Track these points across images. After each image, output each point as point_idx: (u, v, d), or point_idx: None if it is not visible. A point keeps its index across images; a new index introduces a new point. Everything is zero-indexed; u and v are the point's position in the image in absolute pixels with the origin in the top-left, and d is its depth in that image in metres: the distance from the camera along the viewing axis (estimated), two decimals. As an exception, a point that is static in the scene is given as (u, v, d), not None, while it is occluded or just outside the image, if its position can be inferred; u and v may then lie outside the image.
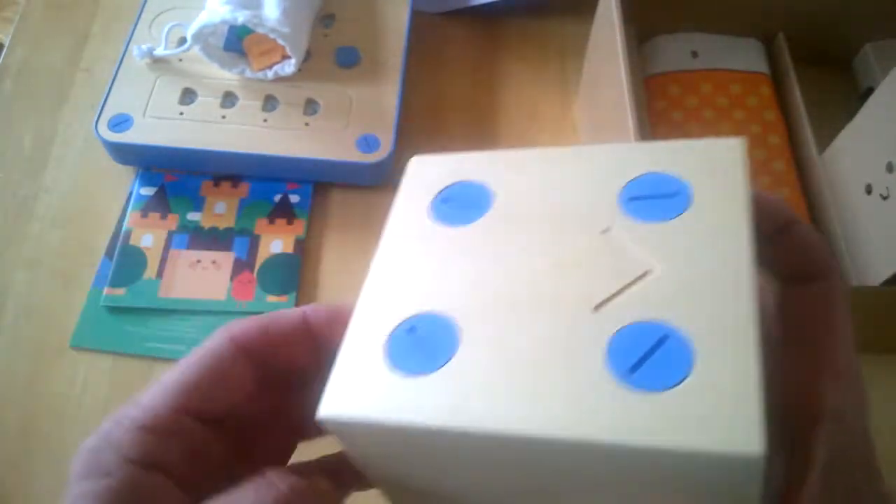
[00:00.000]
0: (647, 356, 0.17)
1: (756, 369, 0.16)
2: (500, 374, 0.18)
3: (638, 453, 0.16)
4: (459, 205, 0.22)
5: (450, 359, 0.18)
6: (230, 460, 0.22)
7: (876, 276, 0.43)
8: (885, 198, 0.42)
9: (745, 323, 0.17)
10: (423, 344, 0.19)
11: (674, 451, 0.16)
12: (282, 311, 0.23)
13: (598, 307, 0.18)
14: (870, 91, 0.55)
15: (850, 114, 0.46)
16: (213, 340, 0.22)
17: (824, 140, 0.49)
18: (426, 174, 0.24)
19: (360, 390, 0.19)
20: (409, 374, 0.18)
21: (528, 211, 0.21)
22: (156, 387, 0.21)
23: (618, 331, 0.18)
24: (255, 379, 0.22)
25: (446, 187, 0.23)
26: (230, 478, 0.19)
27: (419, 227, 0.22)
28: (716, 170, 0.20)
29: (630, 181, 0.21)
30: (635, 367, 0.17)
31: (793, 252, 0.22)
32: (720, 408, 0.16)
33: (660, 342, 0.17)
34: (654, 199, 0.20)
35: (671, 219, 0.20)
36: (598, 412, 0.17)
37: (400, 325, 0.20)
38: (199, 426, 0.21)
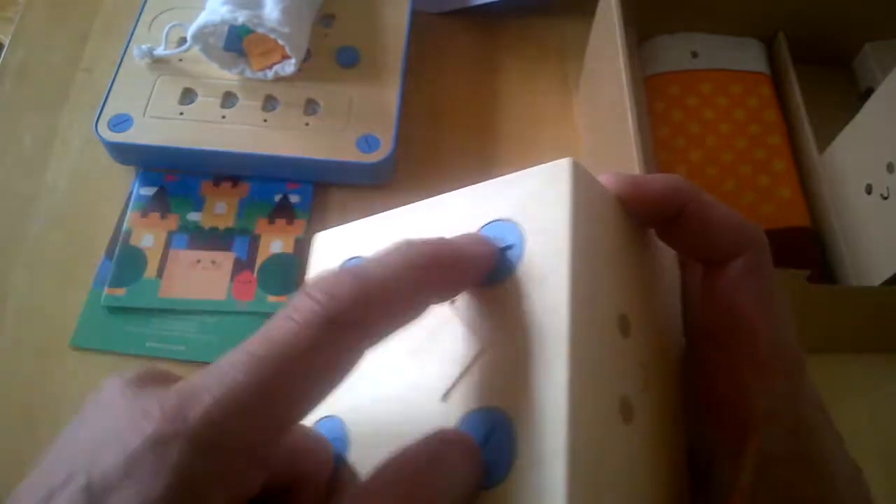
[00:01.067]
0: (483, 446, 0.18)
1: (564, 470, 0.16)
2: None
3: None
4: None
5: (344, 462, 0.20)
6: None
7: (876, 275, 0.43)
8: (885, 198, 0.42)
9: (558, 406, 0.17)
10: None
11: None
12: (382, 262, 0.18)
13: (444, 396, 0.19)
14: (870, 91, 0.55)
15: (850, 114, 0.46)
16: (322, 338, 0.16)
17: (824, 140, 0.49)
18: (328, 252, 0.24)
19: None
20: None
21: None
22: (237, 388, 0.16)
23: (459, 422, 0.18)
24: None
25: (344, 263, 0.24)
26: None
27: None
28: (544, 207, 0.19)
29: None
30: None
31: (697, 234, 0.21)
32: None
33: (491, 431, 0.18)
34: (497, 254, 0.20)
35: (507, 279, 0.19)
36: None
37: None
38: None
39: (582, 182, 0.19)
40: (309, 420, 0.21)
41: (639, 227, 0.22)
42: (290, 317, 0.16)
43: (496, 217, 0.20)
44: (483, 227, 0.21)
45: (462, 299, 0.20)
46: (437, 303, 0.19)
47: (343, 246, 0.24)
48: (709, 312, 0.21)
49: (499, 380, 0.18)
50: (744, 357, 0.20)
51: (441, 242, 0.19)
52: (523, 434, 0.17)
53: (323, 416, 0.22)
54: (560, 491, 0.15)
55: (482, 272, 0.20)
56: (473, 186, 0.22)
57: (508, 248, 0.20)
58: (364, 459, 0.20)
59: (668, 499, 0.20)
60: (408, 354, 0.21)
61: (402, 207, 0.23)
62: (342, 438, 0.21)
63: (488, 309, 0.19)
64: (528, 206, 0.20)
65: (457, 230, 0.21)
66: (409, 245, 0.18)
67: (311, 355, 0.16)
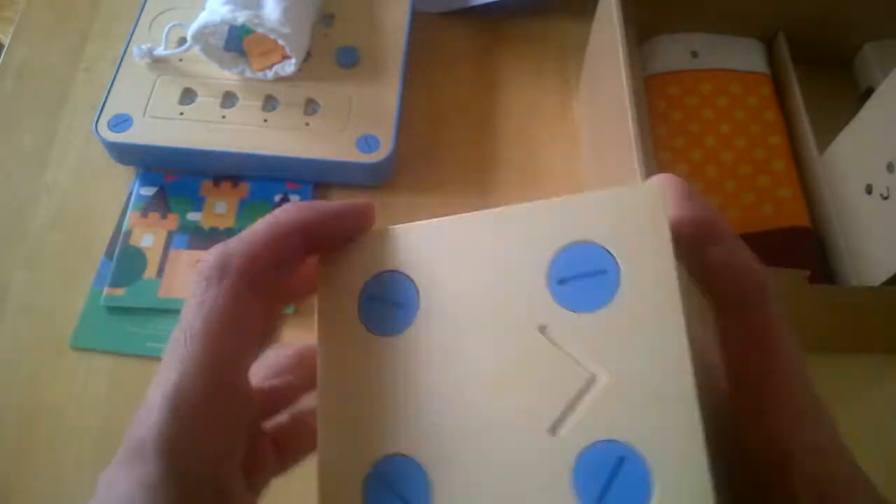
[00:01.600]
0: (610, 481, 0.18)
1: (710, 492, 0.17)
2: None
3: None
4: (386, 305, 0.21)
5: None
6: None
7: (876, 276, 0.43)
8: (885, 198, 0.42)
9: (694, 440, 0.17)
10: (399, 497, 0.19)
11: None
12: (264, 221, 0.22)
13: (553, 429, 0.19)
14: (870, 91, 0.55)
15: (850, 114, 0.46)
16: (216, 290, 0.20)
17: (824, 140, 0.49)
18: (345, 268, 0.22)
19: None
20: None
21: (459, 309, 0.20)
22: (187, 357, 0.19)
23: (578, 457, 0.18)
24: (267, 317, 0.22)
25: (368, 281, 0.22)
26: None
27: (353, 338, 0.21)
28: (638, 231, 0.19)
29: (555, 258, 0.20)
30: (602, 496, 0.18)
31: (716, 278, 0.20)
32: None
33: (619, 464, 0.18)
34: (581, 279, 0.20)
35: (604, 306, 0.19)
36: None
37: (370, 474, 0.20)
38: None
39: (665, 209, 0.20)
40: (367, 459, 0.20)
41: None
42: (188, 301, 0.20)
43: (577, 239, 0.20)
44: (563, 249, 0.20)
45: (554, 326, 0.19)
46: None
47: (359, 263, 0.22)
48: (734, 350, 0.21)
49: (620, 410, 0.18)
50: (782, 406, 0.20)
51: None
52: (659, 468, 0.17)
53: (387, 453, 0.20)
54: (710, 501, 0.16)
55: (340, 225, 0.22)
56: (537, 203, 0.21)
57: (600, 273, 0.19)
58: (457, 501, 0.19)
59: None
60: (493, 387, 0.19)
61: (457, 217, 0.21)
62: (422, 484, 0.19)
63: (588, 336, 0.19)
64: (618, 231, 0.19)
65: (526, 249, 0.20)
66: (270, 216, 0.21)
67: (202, 317, 0.19)
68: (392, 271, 0.21)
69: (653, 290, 0.19)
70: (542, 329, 0.19)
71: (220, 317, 0.19)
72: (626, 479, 0.17)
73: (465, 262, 0.21)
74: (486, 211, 0.21)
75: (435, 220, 0.22)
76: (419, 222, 0.22)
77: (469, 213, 0.21)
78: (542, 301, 0.20)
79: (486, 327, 0.20)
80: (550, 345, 0.19)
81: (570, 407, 0.19)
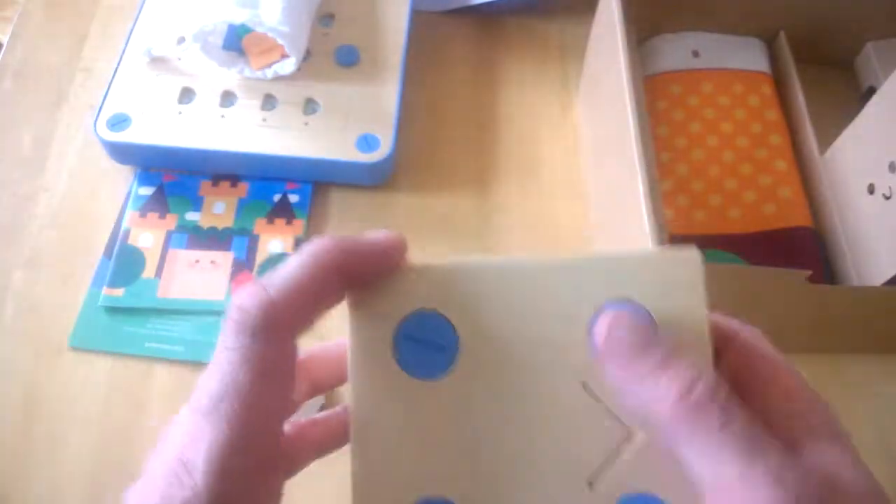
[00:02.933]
0: None
1: None
2: None
3: None
4: (423, 347, 0.21)
5: None
6: None
7: (878, 276, 0.43)
8: (887, 198, 0.42)
9: None
10: None
11: None
12: (294, 267, 0.21)
13: (591, 482, 0.19)
14: (871, 90, 0.55)
15: (852, 113, 0.46)
16: (260, 346, 0.20)
17: (826, 139, 0.49)
18: (379, 304, 0.21)
19: None
20: None
21: (500, 357, 0.21)
22: (214, 432, 0.19)
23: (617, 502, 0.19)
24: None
25: (404, 320, 0.21)
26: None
27: (390, 381, 0.21)
28: (677, 296, 0.20)
29: (596, 313, 0.20)
30: None
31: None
32: None
33: None
34: None
35: None
36: None
37: None
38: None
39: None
40: (409, 498, 0.20)
41: None
42: (222, 346, 0.20)
43: (618, 296, 0.20)
44: (602, 307, 0.20)
45: (596, 382, 0.20)
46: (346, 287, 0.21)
47: (392, 300, 0.21)
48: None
49: (650, 464, 0.19)
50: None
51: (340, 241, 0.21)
52: None
53: (429, 495, 0.20)
54: None
55: (382, 262, 0.21)
56: (582, 257, 0.21)
57: None
58: None
59: None
60: (534, 437, 0.20)
61: (500, 260, 0.22)
62: None
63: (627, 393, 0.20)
64: (659, 293, 0.20)
65: (570, 303, 0.21)
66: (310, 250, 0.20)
67: (249, 370, 0.19)
68: (430, 311, 0.21)
69: (687, 352, 0.19)
70: (584, 385, 0.20)
71: (267, 373, 0.19)
72: None
73: (507, 310, 0.21)
74: (531, 259, 0.21)
75: (476, 259, 0.22)
76: (458, 260, 0.21)
77: (513, 258, 0.21)
78: (583, 356, 0.20)
79: (528, 378, 0.20)
80: (590, 400, 0.20)
81: (609, 461, 0.19)
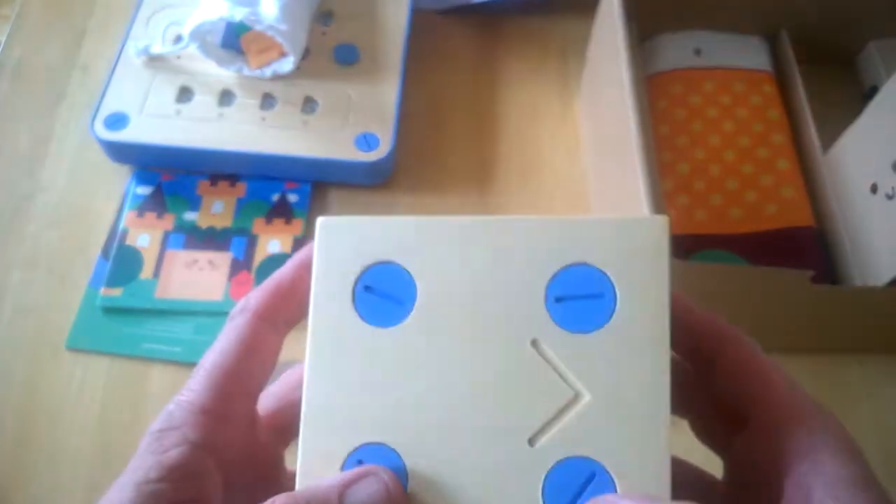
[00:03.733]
0: (579, 495, 0.19)
1: None
2: None
3: None
4: (382, 297, 0.21)
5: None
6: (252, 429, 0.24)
7: (880, 276, 0.42)
8: (890, 197, 0.42)
9: (662, 466, 0.19)
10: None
11: None
12: (280, 269, 0.24)
13: (532, 440, 0.20)
14: (874, 89, 0.55)
15: (854, 112, 0.46)
16: (238, 322, 0.23)
17: (828, 138, 0.49)
18: (342, 247, 0.22)
19: None
20: None
21: (455, 311, 0.21)
22: (201, 372, 0.23)
23: (552, 468, 0.19)
24: (277, 340, 0.24)
25: (366, 269, 0.22)
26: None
27: (346, 328, 0.21)
28: (640, 264, 0.20)
29: (556, 275, 0.21)
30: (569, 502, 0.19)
31: (698, 333, 0.22)
32: None
33: (588, 480, 0.19)
34: (578, 300, 0.20)
35: (596, 329, 0.20)
36: None
37: (349, 458, 0.21)
38: (241, 408, 0.23)
39: (668, 241, 0.20)
40: (348, 444, 0.21)
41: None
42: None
43: (579, 261, 0.21)
44: (565, 268, 0.21)
45: (546, 342, 0.20)
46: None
47: (357, 248, 0.22)
48: (730, 384, 0.22)
49: (596, 429, 0.19)
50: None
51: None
52: (625, 483, 0.19)
53: (367, 441, 0.20)
54: None
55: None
56: (545, 218, 0.21)
57: (597, 296, 0.20)
58: (427, 497, 0.20)
59: None
60: (481, 389, 0.20)
61: (464, 218, 0.22)
62: (398, 470, 0.20)
63: (578, 356, 0.20)
64: (622, 260, 0.20)
65: (529, 263, 0.21)
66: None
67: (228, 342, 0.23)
68: (391, 263, 0.22)
69: (645, 321, 0.20)
70: (535, 343, 0.20)
71: (234, 346, 0.23)
72: (593, 493, 0.19)
73: (467, 266, 0.21)
74: (494, 217, 0.22)
75: (440, 217, 0.22)
76: (422, 217, 0.22)
77: (476, 217, 0.22)
78: (538, 316, 0.20)
79: (480, 334, 0.21)
80: (541, 359, 0.20)
81: (551, 421, 0.20)
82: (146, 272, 0.47)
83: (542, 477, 0.19)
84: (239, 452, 0.23)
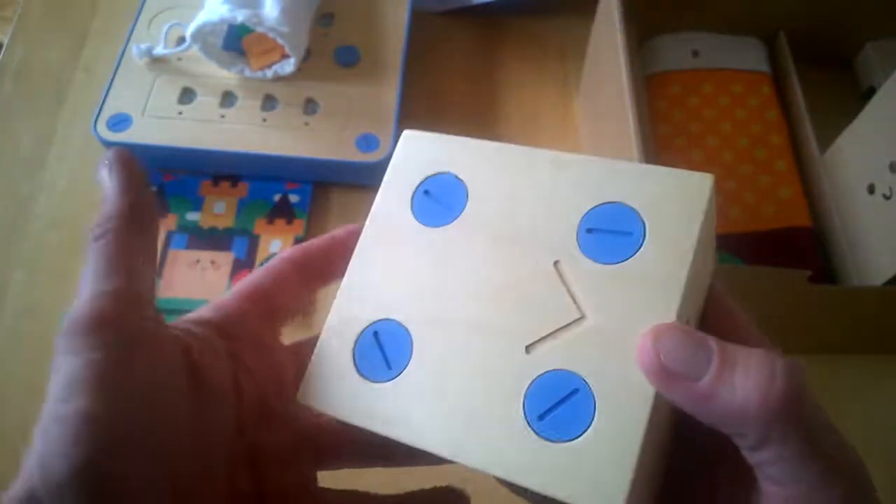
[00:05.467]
0: (556, 406, 0.20)
1: (639, 445, 0.19)
2: (438, 397, 0.21)
3: (531, 489, 0.19)
4: (437, 202, 0.24)
5: (401, 372, 0.22)
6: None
7: (878, 276, 0.43)
8: (887, 198, 0.42)
9: (643, 396, 0.19)
10: (382, 352, 0.22)
11: (554, 496, 0.19)
12: (317, 238, 0.27)
13: (529, 347, 0.21)
14: (871, 90, 0.55)
15: (852, 113, 0.46)
16: (274, 261, 0.26)
17: (826, 139, 0.49)
18: (416, 155, 0.25)
19: (329, 387, 0.22)
20: (368, 379, 0.22)
21: (495, 223, 0.23)
22: (230, 293, 0.25)
23: (539, 376, 0.20)
24: (298, 281, 0.26)
25: (429, 177, 0.24)
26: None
27: (399, 222, 0.24)
28: (676, 212, 0.21)
29: (593, 208, 0.22)
30: (544, 415, 0.20)
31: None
32: (597, 470, 0.19)
33: (570, 395, 0.20)
34: (608, 234, 0.21)
35: (617, 263, 0.21)
36: (504, 451, 0.20)
37: (367, 328, 0.23)
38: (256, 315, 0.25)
39: (712, 202, 0.21)
40: (370, 316, 0.23)
41: (712, 245, 0.24)
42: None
43: (617, 199, 0.22)
44: (602, 204, 0.22)
45: (568, 264, 0.21)
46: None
47: (427, 158, 0.25)
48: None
49: (591, 351, 0.20)
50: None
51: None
52: (605, 403, 0.19)
53: (386, 317, 0.23)
54: (634, 455, 0.19)
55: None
56: (595, 159, 0.23)
57: (626, 234, 0.21)
58: (423, 378, 0.21)
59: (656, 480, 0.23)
60: (497, 293, 0.22)
61: (523, 147, 0.24)
62: (405, 347, 0.22)
63: (593, 283, 0.21)
64: (659, 206, 0.21)
65: (571, 194, 0.22)
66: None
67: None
68: (451, 173, 0.24)
69: (664, 265, 0.20)
70: (557, 264, 0.22)
71: (261, 272, 0.25)
72: (572, 408, 0.20)
73: (515, 186, 0.23)
74: (547, 150, 0.23)
75: (502, 143, 0.24)
76: (486, 141, 0.24)
77: (533, 148, 0.24)
78: (567, 241, 0.22)
79: (510, 246, 0.22)
80: (558, 279, 0.21)
81: (551, 335, 0.21)
82: (148, 272, 0.48)
83: (529, 382, 0.20)
84: (254, 358, 0.24)
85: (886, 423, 0.46)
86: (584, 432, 0.19)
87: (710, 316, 0.24)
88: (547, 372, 0.20)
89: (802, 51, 0.55)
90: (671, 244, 0.21)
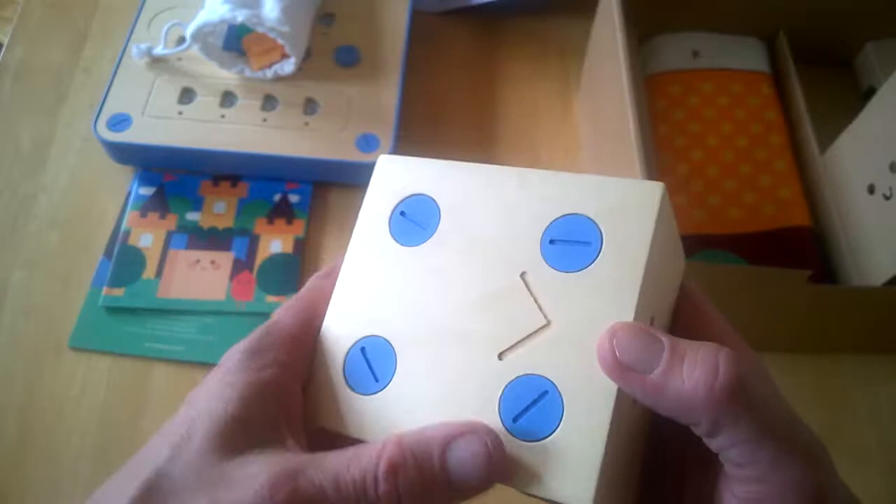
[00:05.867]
0: (529, 408, 0.21)
1: (605, 436, 0.20)
2: (421, 406, 0.23)
3: (510, 486, 0.21)
4: (413, 222, 0.25)
5: (387, 384, 0.23)
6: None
7: (878, 276, 0.43)
8: (887, 198, 0.42)
9: (606, 392, 0.21)
10: (369, 367, 0.24)
11: (530, 493, 0.21)
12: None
13: (502, 354, 0.22)
14: (871, 90, 0.55)
15: (852, 113, 0.46)
16: (323, 280, 0.26)
17: (826, 139, 0.49)
18: (392, 179, 0.27)
19: (325, 402, 0.24)
20: (358, 392, 0.24)
21: (466, 240, 0.24)
22: (291, 304, 0.25)
23: (511, 381, 0.22)
24: None
25: (405, 199, 0.26)
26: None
27: (379, 243, 0.26)
28: (629, 219, 0.22)
29: (554, 220, 0.23)
30: (518, 417, 0.21)
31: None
32: (569, 464, 0.20)
33: (540, 397, 0.21)
34: (569, 244, 0.23)
35: (578, 271, 0.23)
36: None
37: (354, 345, 0.24)
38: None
39: (665, 207, 0.22)
40: (357, 333, 0.25)
41: (676, 246, 0.25)
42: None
43: (574, 211, 0.23)
44: (564, 216, 0.23)
45: (534, 275, 0.23)
46: None
47: (402, 180, 0.26)
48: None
49: (557, 354, 0.22)
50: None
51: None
52: (572, 401, 0.21)
53: (372, 334, 0.24)
54: (601, 445, 0.20)
55: None
56: (555, 173, 0.24)
57: (585, 243, 0.23)
58: (407, 389, 0.23)
59: (632, 474, 0.24)
60: (470, 305, 0.23)
61: (489, 166, 0.25)
62: (390, 362, 0.24)
63: (557, 291, 0.22)
64: (614, 215, 0.23)
65: (535, 208, 0.24)
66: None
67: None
68: (425, 195, 0.26)
69: (620, 270, 0.22)
70: (524, 275, 0.23)
71: (317, 296, 0.26)
72: (542, 409, 0.21)
73: (483, 204, 0.25)
74: (512, 168, 0.25)
75: (470, 163, 0.25)
76: (456, 162, 0.26)
77: (499, 166, 0.25)
78: (532, 252, 0.23)
79: (480, 261, 0.24)
80: (525, 289, 0.23)
81: (521, 342, 0.22)
82: (148, 272, 0.48)
83: (503, 387, 0.22)
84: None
85: (887, 423, 0.46)
86: (554, 430, 0.21)
87: (682, 314, 0.25)
88: (518, 377, 0.22)
89: (802, 51, 0.55)
90: (626, 250, 0.22)
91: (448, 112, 0.57)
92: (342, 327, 0.25)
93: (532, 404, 0.21)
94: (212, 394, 0.22)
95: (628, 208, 0.22)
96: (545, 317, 0.22)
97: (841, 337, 0.47)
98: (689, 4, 0.55)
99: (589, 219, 0.23)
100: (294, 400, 0.23)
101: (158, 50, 0.53)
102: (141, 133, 0.50)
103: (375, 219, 0.26)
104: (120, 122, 0.50)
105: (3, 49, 0.58)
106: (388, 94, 0.53)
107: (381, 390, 0.23)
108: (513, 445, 0.21)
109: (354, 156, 0.50)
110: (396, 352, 0.24)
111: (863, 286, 0.44)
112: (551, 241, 0.23)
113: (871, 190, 0.44)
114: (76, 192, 0.52)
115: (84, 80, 0.57)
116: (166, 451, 0.20)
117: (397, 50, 0.56)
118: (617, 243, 0.22)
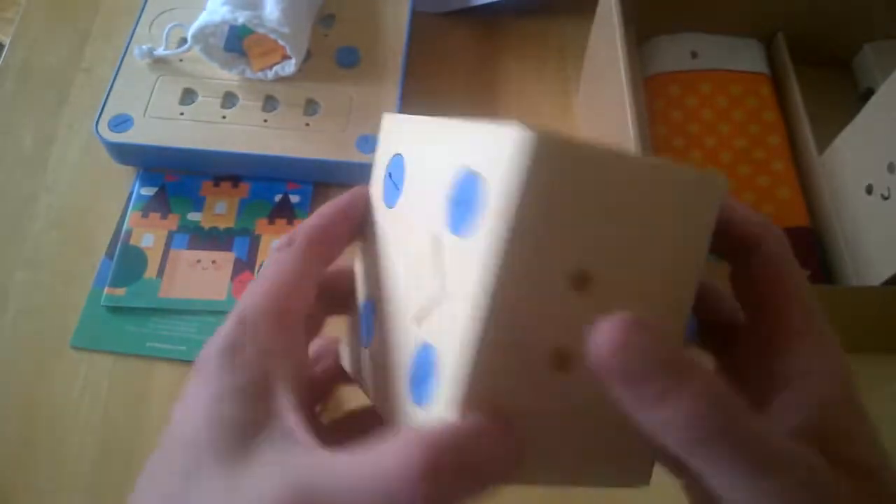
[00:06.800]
0: (426, 375, 0.21)
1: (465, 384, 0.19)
2: (379, 368, 0.24)
3: None
4: (394, 182, 0.25)
5: (369, 344, 0.25)
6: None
7: (876, 276, 0.43)
8: (885, 198, 0.42)
9: (468, 362, 0.19)
10: (366, 326, 0.26)
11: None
12: (334, 201, 0.26)
13: (419, 322, 0.22)
14: (869, 91, 0.55)
15: (850, 114, 0.46)
16: (288, 250, 0.25)
17: (824, 140, 0.49)
18: (386, 139, 0.27)
19: (347, 353, 0.28)
20: (363, 346, 0.26)
21: (409, 201, 0.24)
22: (260, 283, 0.23)
23: (417, 349, 0.22)
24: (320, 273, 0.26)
25: (391, 158, 0.26)
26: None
27: (377, 205, 0.26)
28: (501, 168, 0.19)
29: (455, 179, 0.21)
30: (417, 383, 0.22)
31: (721, 231, 0.22)
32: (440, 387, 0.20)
33: (433, 364, 0.21)
34: (461, 205, 0.21)
35: (466, 236, 0.20)
36: (396, 412, 0.23)
37: (362, 305, 0.27)
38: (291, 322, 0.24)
39: (556, 162, 0.19)
40: (364, 297, 0.26)
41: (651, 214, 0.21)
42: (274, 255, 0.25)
43: (468, 166, 0.20)
44: (460, 174, 0.21)
45: (444, 239, 0.21)
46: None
47: (394, 140, 0.26)
48: (747, 296, 0.24)
49: (440, 323, 0.21)
50: (781, 327, 0.22)
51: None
52: (441, 377, 0.20)
53: (365, 298, 0.26)
54: (453, 413, 0.19)
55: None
56: (462, 121, 0.22)
57: (473, 203, 0.20)
58: (375, 351, 0.25)
59: (611, 448, 0.22)
60: (404, 273, 0.24)
61: (433, 119, 0.24)
62: (371, 322, 0.26)
63: (451, 255, 0.21)
64: (492, 165, 0.19)
65: (448, 160, 0.22)
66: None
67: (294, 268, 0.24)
68: (400, 155, 0.25)
69: (489, 233, 0.19)
70: (435, 239, 0.22)
71: (284, 270, 0.24)
72: (431, 375, 0.21)
73: (424, 159, 0.24)
74: (445, 119, 0.23)
75: (430, 118, 0.24)
76: (421, 118, 0.25)
77: (442, 118, 0.23)
78: (441, 215, 0.22)
79: (412, 222, 0.24)
80: (437, 254, 0.22)
81: (426, 309, 0.22)
82: (150, 272, 0.48)
83: (413, 355, 0.22)
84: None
85: (886, 423, 0.46)
86: (429, 386, 0.21)
87: (760, 286, 0.23)
88: (421, 344, 0.22)
89: (801, 52, 0.55)
90: (496, 211, 0.19)
91: (448, 112, 0.57)
92: (359, 288, 0.27)
93: (426, 373, 0.21)
94: (198, 415, 0.20)
95: (504, 157, 0.19)
96: (443, 284, 0.21)
97: (839, 337, 0.47)
98: (688, 6, 0.55)
99: (479, 175, 0.20)
100: (292, 380, 0.21)
101: (160, 51, 0.53)
102: (142, 133, 0.50)
103: (376, 180, 0.27)
104: (121, 122, 0.50)
105: (5, 50, 0.58)
106: (389, 94, 0.54)
107: (366, 348, 0.26)
108: (410, 408, 0.22)
109: (355, 156, 0.50)
110: (375, 315, 0.25)
111: (861, 286, 0.44)
112: (455, 202, 0.21)
113: (870, 190, 0.44)
114: (78, 192, 0.52)
115: (86, 80, 0.57)
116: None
117: (397, 51, 0.56)
118: (494, 196, 0.19)
